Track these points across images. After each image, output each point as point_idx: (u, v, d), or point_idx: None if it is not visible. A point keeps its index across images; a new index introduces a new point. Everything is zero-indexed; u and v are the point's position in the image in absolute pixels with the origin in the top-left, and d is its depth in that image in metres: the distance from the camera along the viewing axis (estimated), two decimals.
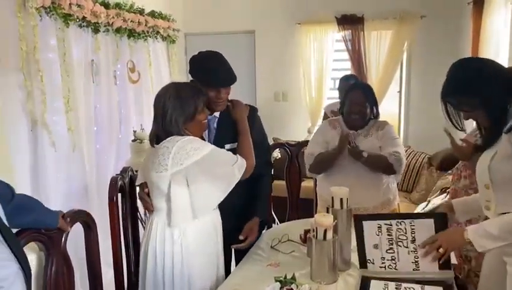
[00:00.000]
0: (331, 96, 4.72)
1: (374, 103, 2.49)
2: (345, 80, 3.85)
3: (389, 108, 4.91)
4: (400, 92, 4.91)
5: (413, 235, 1.67)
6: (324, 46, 4.82)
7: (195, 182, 1.73)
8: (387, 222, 1.72)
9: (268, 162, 2.26)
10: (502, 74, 1.53)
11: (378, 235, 1.73)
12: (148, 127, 3.75)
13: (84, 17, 3.06)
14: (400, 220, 1.70)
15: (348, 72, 4.56)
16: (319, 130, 2.69)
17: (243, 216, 2.07)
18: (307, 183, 3.19)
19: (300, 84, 4.92)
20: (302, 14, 4.78)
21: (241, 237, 2.01)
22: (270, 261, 1.92)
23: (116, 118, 3.54)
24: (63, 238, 1.49)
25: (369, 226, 1.75)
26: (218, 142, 1.95)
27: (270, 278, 1.56)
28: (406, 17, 4.51)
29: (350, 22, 4.65)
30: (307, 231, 2.05)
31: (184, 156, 1.67)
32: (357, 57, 4.70)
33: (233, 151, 1.92)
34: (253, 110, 2.14)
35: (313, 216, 1.86)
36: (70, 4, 2.88)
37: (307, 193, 3.11)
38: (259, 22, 4.93)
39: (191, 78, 2.00)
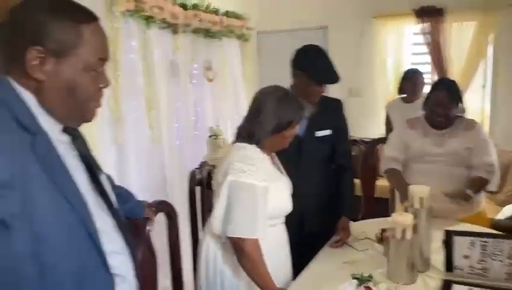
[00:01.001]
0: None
1: (459, 100, 2.34)
2: (404, 76, 3.68)
3: (472, 103, 4.61)
4: (484, 86, 4.59)
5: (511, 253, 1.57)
6: (401, 39, 4.65)
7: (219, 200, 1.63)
8: (483, 239, 1.63)
9: (349, 152, 2.27)
10: None
11: (470, 248, 1.66)
12: (224, 123, 3.88)
13: (164, 19, 3.21)
14: (499, 240, 1.61)
15: (427, 67, 4.36)
16: (396, 130, 2.59)
17: (328, 215, 2.08)
18: (381, 182, 3.10)
19: (376, 80, 4.78)
20: (378, 7, 4.64)
21: (335, 238, 2.04)
22: (345, 258, 1.90)
23: (193, 115, 3.68)
24: (148, 227, 1.58)
25: (461, 241, 1.67)
26: (310, 128, 2.08)
27: (346, 276, 1.55)
28: (492, 7, 4.21)
29: (429, 13, 4.43)
30: (383, 230, 2.00)
31: (230, 170, 1.61)
32: (437, 50, 4.47)
33: (324, 138, 2.12)
34: (341, 103, 2.26)
35: (387, 215, 1.82)
36: (151, 7, 3.04)
37: (381, 192, 3.03)
38: (333, 17, 4.86)
39: (295, 69, 2.06)
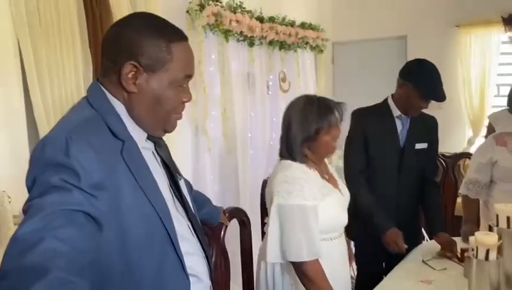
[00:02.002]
0: (496, 104, 4.24)
1: None
2: None
3: None
4: None
5: None
6: (487, 49, 4.36)
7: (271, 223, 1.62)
8: None
9: (437, 168, 2.34)
10: None
11: None
12: None
13: (241, 32, 3.32)
14: None
15: None
16: (481, 149, 2.36)
17: (413, 230, 2.10)
18: None
19: (459, 91, 4.53)
20: (462, 15, 4.40)
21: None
22: (421, 276, 1.82)
23: (268, 125, 3.75)
24: (222, 232, 1.63)
25: None
26: (410, 139, 2.13)
27: None
28: None
29: None
30: (464, 250, 1.89)
31: (276, 192, 1.60)
32: None
33: (422, 151, 2.15)
34: (436, 120, 2.31)
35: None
36: (230, 21, 3.16)
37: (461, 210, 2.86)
38: (412, 26, 4.69)
39: (403, 80, 2.07)
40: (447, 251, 2.00)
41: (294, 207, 1.56)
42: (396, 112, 2.11)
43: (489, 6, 4.22)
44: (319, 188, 1.65)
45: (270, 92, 3.77)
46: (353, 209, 1.90)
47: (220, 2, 3.10)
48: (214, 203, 1.65)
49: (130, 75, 1.03)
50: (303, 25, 4.16)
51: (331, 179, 1.76)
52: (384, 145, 2.12)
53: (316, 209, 1.59)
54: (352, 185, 1.98)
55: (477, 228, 2.22)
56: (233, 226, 1.80)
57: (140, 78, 1.03)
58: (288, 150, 1.66)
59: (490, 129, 3.33)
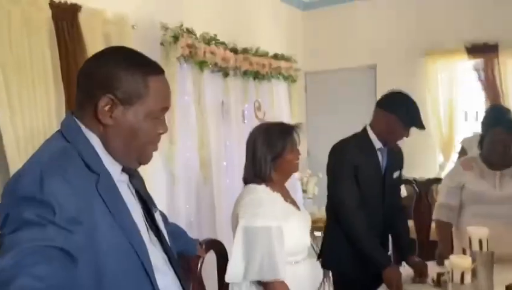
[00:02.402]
0: (464, 130, 4.40)
1: None
2: (490, 113, 3.50)
3: None
4: None
5: None
6: (453, 77, 4.54)
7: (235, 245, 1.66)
8: None
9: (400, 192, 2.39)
10: None
11: None
12: None
13: (216, 63, 3.36)
14: None
15: (482, 105, 4.22)
16: (450, 173, 2.46)
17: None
18: None
19: (429, 118, 4.67)
20: (429, 45, 4.58)
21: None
22: None
23: (244, 153, 3.75)
24: (199, 264, 1.61)
25: None
26: (389, 169, 2.18)
27: None
28: None
29: (482, 50, 4.33)
30: (440, 274, 1.92)
31: (241, 214, 1.66)
32: (491, 87, 4.33)
33: (396, 179, 2.23)
34: (401, 149, 2.34)
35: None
36: (204, 52, 3.21)
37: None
38: (381, 56, 4.85)
39: (383, 110, 2.11)
40: (418, 274, 2.02)
41: (259, 229, 1.61)
42: (377, 143, 2.15)
43: (454, 37, 4.41)
44: (282, 209, 1.71)
45: (245, 121, 3.80)
46: (341, 241, 2.02)
47: (194, 34, 3.14)
48: (190, 234, 1.63)
49: (106, 108, 1.03)
50: (276, 56, 4.25)
51: (292, 202, 1.83)
52: (371, 177, 2.15)
53: (281, 230, 1.64)
54: (350, 220, 2.05)
55: (452, 251, 2.26)
56: (211, 258, 1.78)
57: (116, 111, 1.03)
58: (257, 172, 1.73)
59: (463, 153, 3.44)
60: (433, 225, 2.89)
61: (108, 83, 1.03)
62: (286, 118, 4.47)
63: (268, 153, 1.72)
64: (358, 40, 4.95)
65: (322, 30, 5.14)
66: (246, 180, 1.78)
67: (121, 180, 1.09)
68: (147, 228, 1.13)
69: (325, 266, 1.86)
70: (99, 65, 1.05)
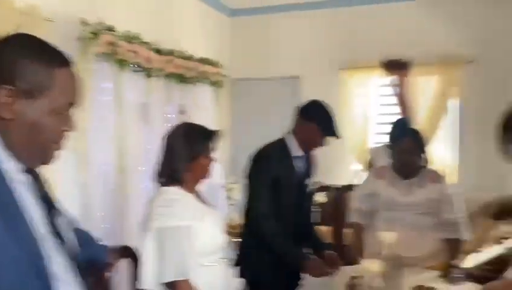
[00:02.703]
0: (377, 141, 4.66)
1: (424, 149, 2.41)
2: (397, 125, 3.73)
3: (440, 153, 4.76)
4: (451, 137, 4.76)
5: None
6: (369, 91, 4.81)
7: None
8: None
9: None
10: None
11: None
12: None
13: (138, 63, 3.24)
14: None
15: (395, 117, 4.49)
16: (364, 182, 2.61)
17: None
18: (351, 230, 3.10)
19: (345, 128, 4.89)
20: (346, 60, 4.82)
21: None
22: None
23: None
24: (109, 272, 1.51)
25: None
26: (305, 176, 2.26)
27: None
28: (453, 62, 4.45)
29: (394, 66, 4.61)
30: (353, 278, 1.98)
31: (153, 215, 1.64)
32: (402, 101, 4.63)
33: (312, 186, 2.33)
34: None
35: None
36: (126, 51, 3.07)
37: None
38: (304, 68, 5.01)
39: (304, 119, 2.17)
40: (330, 265, 2.10)
41: (171, 229, 1.59)
42: (296, 151, 2.19)
43: (369, 52, 4.68)
44: (196, 209, 1.70)
45: (168, 125, 3.70)
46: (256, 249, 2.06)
47: (115, 31, 3.01)
48: (103, 241, 1.53)
49: (6, 100, 0.94)
50: (202, 60, 4.21)
51: (205, 203, 1.82)
52: (289, 185, 2.20)
53: (191, 230, 1.62)
54: (265, 230, 2.09)
55: (364, 255, 2.36)
56: (123, 265, 1.69)
57: (17, 103, 0.95)
58: (171, 174, 1.71)
59: (371, 162, 3.64)
60: (346, 230, 3.03)
61: (9, 73, 0.94)
62: (211, 124, 4.43)
63: (186, 154, 1.71)
64: (283, 51, 5.07)
65: (250, 38, 5.19)
66: (159, 178, 1.75)
67: (20, 180, 0.99)
68: (49, 232, 1.03)
69: (241, 274, 1.85)
70: (1, 52, 0.96)
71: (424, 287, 1.83)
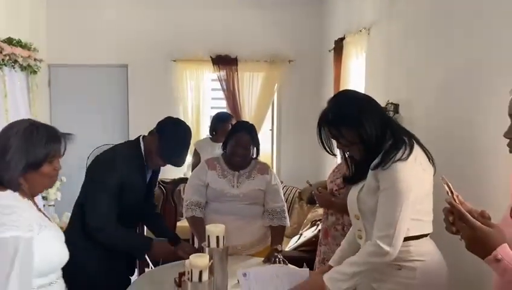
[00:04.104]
0: (207, 133, 4.74)
1: (257, 143, 2.50)
2: (220, 118, 3.86)
3: (263, 145, 5.09)
4: (272, 130, 5.14)
5: None
6: (200, 84, 4.87)
7: None
8: None
9: None
10: (382, 112, 1.65)
11: None
12: None
13: None
14: None
15: (225, 111, 4.64)
16: (195, 172, 2.57)
17: None
18: (183, 223, 3.08)
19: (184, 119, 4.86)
20: (178, 52, 4.78)
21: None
22: None
23: None
24: None
25: None
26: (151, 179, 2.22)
27: None
28: (276, 61, 4.81)
29: (224, 62, 4.78)
30: (181, 274, 1.94)
31: None
32: (231, 96, 4.82)
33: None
34: None
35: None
36: None
37: (183, 233, 2.99)
38: (133, 56, 4.78)
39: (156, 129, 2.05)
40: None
41: (8, 239, 1.28)
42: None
43: (200, 47, 4.73)
44: (35, 219, 1.40)
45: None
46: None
47: None
48: None
49: None
50: (10, 41, 3.64)
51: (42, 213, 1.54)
52: (136, 191, 2.08)
53: (32, 242, 1.34)
54: (111, 242, 1.99)
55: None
56: None
57: None
58: (3, 179, 1.38)
59: (196, 154, 3.70)
60: (179, 224, 3.00)
61: None
62: (24, 114, 3.88)
63: (22, 161, 1.39)
64: (107, 38, 4.76)
65: (70, 22, 4.72)
66: None
67: None
68: None
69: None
70: None
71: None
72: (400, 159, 1.49)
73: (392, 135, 1.58)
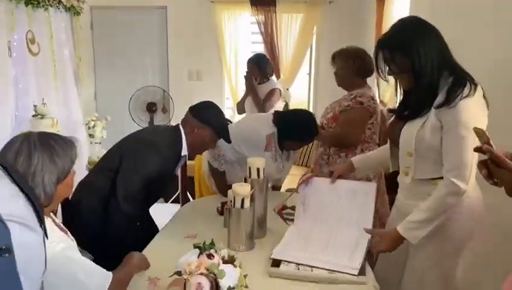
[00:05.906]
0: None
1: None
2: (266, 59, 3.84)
3: (300, 90, 5.09)
4: (309, 74, 5.09)
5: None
6: (239, 27, 4.82)
7: None
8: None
9: None
10: (443, 47, 1.54)
11: None
12: (50, 101, 3.46)
13: None
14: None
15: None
16: (252, 144, 2.35)
17: None
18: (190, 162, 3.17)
19: (218, 64, 4.89)
20: None
21: None
22: (186, 233, 1.89)
23: (12, 92, 3.21)
24: None
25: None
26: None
27: (190, 248, 1.53)
28: (315, 1, 4.67)
29: (263, 3, 4.69)
30: (224, 203, 2.06)
31: None
32: (269, 39, 4.76)
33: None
34: None
35: None
36: None
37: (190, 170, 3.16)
38: None
39: (197, 120, 2.05)
40: None
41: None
42: (184, 151, 2.07)
43: None
44: (59, 239, 1.33)
45: (14, 54, 3.24)
46: None
47: None
48: None
49: None
50: None
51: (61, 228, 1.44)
52: (165, 181, 2.15)
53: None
54: (126, 210, 1.92)
55: None
56: None
57: None
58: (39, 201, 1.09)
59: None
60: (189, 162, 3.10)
61: None
62: (68, 55, 4.01)
63: (53, 173, 1.25)
64: None
65: None
66: None
67: None
68: None
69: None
70: None
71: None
72: (467, 96, 1.43)
73: (453, 72, 1.50)
